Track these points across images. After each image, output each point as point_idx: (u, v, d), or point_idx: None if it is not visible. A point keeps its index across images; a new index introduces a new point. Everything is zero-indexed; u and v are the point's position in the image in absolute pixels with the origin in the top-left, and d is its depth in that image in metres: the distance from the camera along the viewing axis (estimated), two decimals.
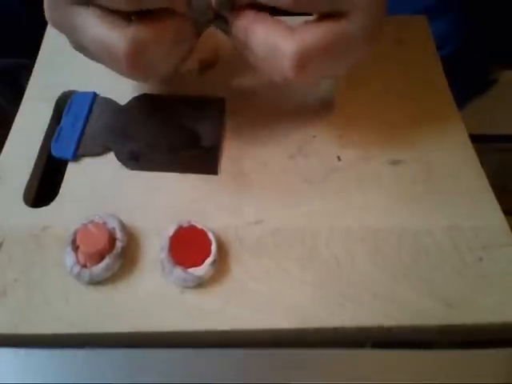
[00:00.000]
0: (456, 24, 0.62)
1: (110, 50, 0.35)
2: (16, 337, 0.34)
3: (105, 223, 0.37)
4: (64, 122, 0.45)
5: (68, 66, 0.48)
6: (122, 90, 0.46)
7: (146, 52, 0.35)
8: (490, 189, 0.42)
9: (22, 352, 0.34)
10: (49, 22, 0.38)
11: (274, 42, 0.35)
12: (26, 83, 0.48)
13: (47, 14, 0.37)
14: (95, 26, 0.35)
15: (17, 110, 0.46)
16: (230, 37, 0.39)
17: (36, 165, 0.43)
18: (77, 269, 0.35)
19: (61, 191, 0.41)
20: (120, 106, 0.46)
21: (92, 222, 0.37)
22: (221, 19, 0.38)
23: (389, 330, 0.35)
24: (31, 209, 0.40)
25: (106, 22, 0.35)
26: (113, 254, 0.36)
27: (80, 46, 0.39)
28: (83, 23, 0.35)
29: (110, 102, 0.46)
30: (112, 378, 0.33)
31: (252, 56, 0.38)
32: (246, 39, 0.37)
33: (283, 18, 0.37)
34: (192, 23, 0.37)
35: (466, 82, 0.65)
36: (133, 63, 0.35)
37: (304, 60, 0.34)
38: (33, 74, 0.49)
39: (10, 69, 0.62)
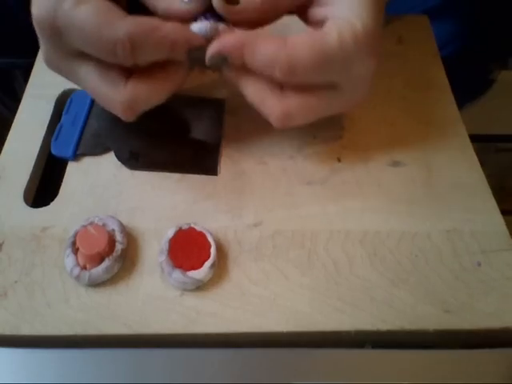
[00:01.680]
0: (457, 24, 0.61)
1: (108, 105, 0.37)
2: (16, 338, 0.34)
3: (104, 225, 0.37)
4: (64, 120, 0.45)
5: None
6: None
7: (142, 106, 0.37)
8: (489, 192, 0.42)
9: (22, 352, 0.34)
10: (47, 66, 0.38)
11: (263, 98, 0.36)
12: (20, 83, 0.47)
13: (45, 59, 0.37)
14: (94, 81, 0.36)
15: (11, 110, 0.46)
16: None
17: (36, 164, 0.43)
18: (77, 271, 0.36)
19: (61, 191, 0.41)
20: None
21: (92, 223, 0.37)
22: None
23: (387, 334, 0.35)
24: (31, 209, 0.40)
25: (105, 80, 0.35)
26: (112, 256, 0.36)
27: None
28: (82, 77, 0.36)
29: None
30: (112, 378, 0.33)
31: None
32: (237, 87, 0.38)
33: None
34: (187, 68, 0.38)
35: (467, 82, 0.65)
36: (129, 116, 0.37)
37: (287, 120, 0.37)
38: (33, 73, 0.49)
39: (4, 69, 0.61)
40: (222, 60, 0.35)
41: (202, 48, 0.35)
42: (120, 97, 0.35)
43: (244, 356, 0.35)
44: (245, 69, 0.36)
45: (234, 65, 0.36)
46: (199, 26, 0.36)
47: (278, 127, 0.37)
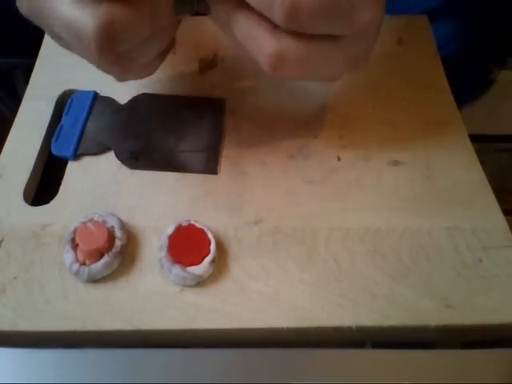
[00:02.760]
0: (457, 24, 0.61)
1: (78, 33, 0.32)
2: (15, 334, 0.34)
3: (104, 222, 0.37)
4: (64, 120, 0.45)
5: (69, 65, 0.48)
6: (122, 89, 0.46)
7: (119, 36, 0.32)
8: (490, 189, 0.42)
9: (21, 352, 0.34)
10: (21, 11, 0.35)
11: (255, 36, 0.33)
12: (20, 82, 0.47)
13: (18, 3, 0.34)
14: (63, 4, 0.31)
15: (11, 110, 0.46)
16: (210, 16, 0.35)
17: (36, 163, 0.43)
18: (76, 266, 0.35)
19: (61, 190, 0.41)
20: (120, 105, 0.46)
21: (91, 220, 0.37)
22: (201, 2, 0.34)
23: (388, 330, 0.35)
24: (31, 207, 0.40)
25: (74, 1, 0.31)
26: (112, 252, 0.36)
27: (53, 34, 0.35)
28: (51, 3, 0.32)
29: (110, 102, 0.46)
30: (112, 378, 0.33)
31: (232, 39, 0.35)
32: (228, 24, 0.34)
33: None
34: (171, 7, 0.33)
35: (466, 82, 0.65)
36: (103, 48, 0.32)
37: (280, 63, 0.33)
38: (33, 73, 0.49)
39: (4, 69, 0.61)
40: None
41: None
42: (92, 18, 0.31)
43: (244, 356, 0.35)
44: (238, 4, 0.32)
45: None
46: None
47: (267, 70, 0.33)
